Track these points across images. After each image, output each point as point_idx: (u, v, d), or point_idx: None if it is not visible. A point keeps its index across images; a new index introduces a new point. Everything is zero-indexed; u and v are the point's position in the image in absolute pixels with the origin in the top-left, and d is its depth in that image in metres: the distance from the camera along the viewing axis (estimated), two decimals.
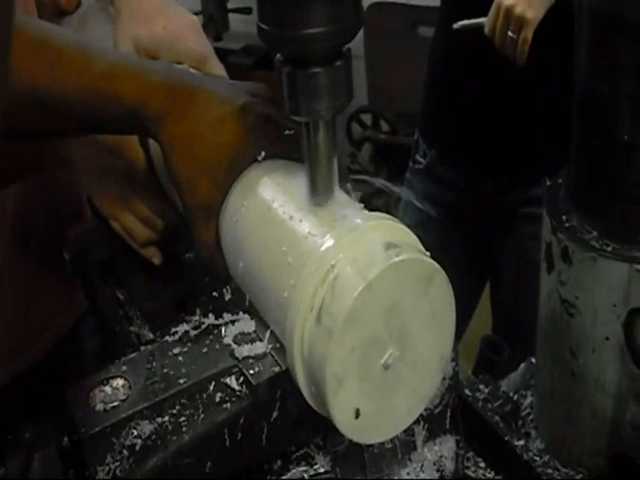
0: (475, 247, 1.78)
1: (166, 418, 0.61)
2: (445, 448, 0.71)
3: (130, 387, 0.63)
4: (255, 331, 0.66)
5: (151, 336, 0.86)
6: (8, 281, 1.01)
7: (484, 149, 1.62)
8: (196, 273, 0.80)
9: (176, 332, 0.68)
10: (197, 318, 0.68)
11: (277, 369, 0.62)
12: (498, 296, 1.83)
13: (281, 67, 0.57)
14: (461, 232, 1.75)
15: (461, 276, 1.62)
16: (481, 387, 0.78)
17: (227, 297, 0.68)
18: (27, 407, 0.99)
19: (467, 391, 0.77)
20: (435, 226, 1.73)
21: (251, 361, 0.63)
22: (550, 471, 0.72)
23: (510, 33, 1.36)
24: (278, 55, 0.57)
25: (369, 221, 0.60)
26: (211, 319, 0.68)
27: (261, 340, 0.64)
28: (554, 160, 0.77)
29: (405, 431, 0.66)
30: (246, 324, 0.66)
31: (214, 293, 0.69)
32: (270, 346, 0.63)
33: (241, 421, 0.62)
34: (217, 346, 0.66)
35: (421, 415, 0.65)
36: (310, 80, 0.56)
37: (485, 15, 1.41)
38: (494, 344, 0.91)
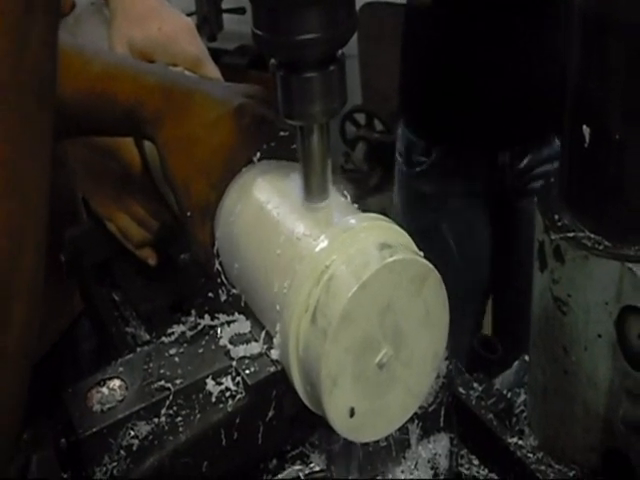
0: (493, 223, 1.78)
1: (163, 418, 0.62)
2: (439, 446, 0.72)
3: (127, 388, 0.63)
4: (251, 332, 0.66)
5: (147, 337, 0.86)
6: None
7: (496, 128, 1.61)
8: (191, 274, 0.80)
9: (172, 333, 0.68)
10: (193, 319, 0.69)
11: (273, 369, 0.62)
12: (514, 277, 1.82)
13: (275, 71, 0.58)
14: (479, 215, 1.75)
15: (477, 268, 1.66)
16: (475, 385, 0.79)
17: (223, 298, 0.69)
18: (24, 408, 1.00)
19: (461, 389, 0.78)
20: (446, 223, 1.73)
21: (247, 361, 0.63)
22: (543, 468, 0.73)
23: None
24: (273, 59, 0.58)
25: (363, 222, 0.60)
26: (207, 320, 0.68)
27: (257, 340, 0.64)
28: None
29: (399, 429, 0.66)
30: (242, 325, 0.67)
31: (210, 294, 0.70)
32: (266, 346, 0.64)
33: (237, 421, 0.62)
34: (213, 347, 0.66)
35: (415, 413, 0.66)
36: (304, 84, 0.57)
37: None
38: (488, 343, 0.91)
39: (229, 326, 0.67)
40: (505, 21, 1.51)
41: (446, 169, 1.68)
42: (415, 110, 1.73)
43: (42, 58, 0.40)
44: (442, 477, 0.72)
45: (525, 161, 1.64)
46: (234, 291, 0.68)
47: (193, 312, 0.69)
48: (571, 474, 0.75)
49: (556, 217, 0.71)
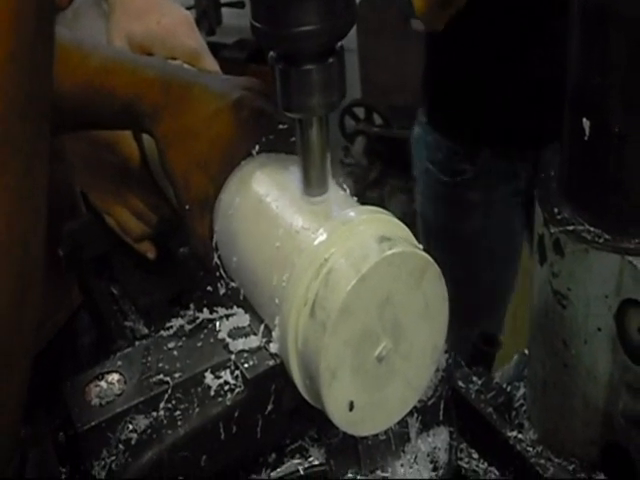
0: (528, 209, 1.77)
1: (161, 412, 0.61)
2: (439, 439, 0.71)
3: (125, 382, 0.63)
4: (249, 325, 0.66)
5: (146, 331, 0.86)
6: None
7: (545, 121, 1.59)
8: (190, 268, 0.80)
9: (171, 327, 0.68)
10: (192, 312, 0.69)
11: (271, 362, 0.62)
12: None
13: (274, 64, 0.57)
14: (518, 213, 1.73)
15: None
16: (474, 379, 0.79)
17: (221, 291, 0.69)
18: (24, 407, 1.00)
19: (460, 383, 0.78)
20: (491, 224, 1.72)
21: (246, 355, 0.63)
22: (543, 461, 0.73)
23: None
24: (272, 52, 0.58)
25: (362, 215, 0.60)
26: (206, 313, 0.68)
27: (255, 334, 0.64)
28: None
29: (399, 423, 0.66)
30: (240, 318, 0.66)
31: (208, 287, 0.69)
32: (264, 340, 0.63)
33: (236, 414, 0.62)
34: (212, 340, 0.66)
35: (415, 407, 0.66)
36: (303, 77, 0.57)
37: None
38: (488, 337, 0.91)
39: (228, 320, 0.67)
40: (529, 20, 1.49)
41: (492, 172, 1.65)
42: (459, 120, 1.68)
43: (45, 80, 0.42)
44: (441, 471, 0.72)
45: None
46: (233, 284, 0.68)
47: (192, 306, 0.69)
48: (570, 468, 0.75)
49: (556, 210, 0.71)
